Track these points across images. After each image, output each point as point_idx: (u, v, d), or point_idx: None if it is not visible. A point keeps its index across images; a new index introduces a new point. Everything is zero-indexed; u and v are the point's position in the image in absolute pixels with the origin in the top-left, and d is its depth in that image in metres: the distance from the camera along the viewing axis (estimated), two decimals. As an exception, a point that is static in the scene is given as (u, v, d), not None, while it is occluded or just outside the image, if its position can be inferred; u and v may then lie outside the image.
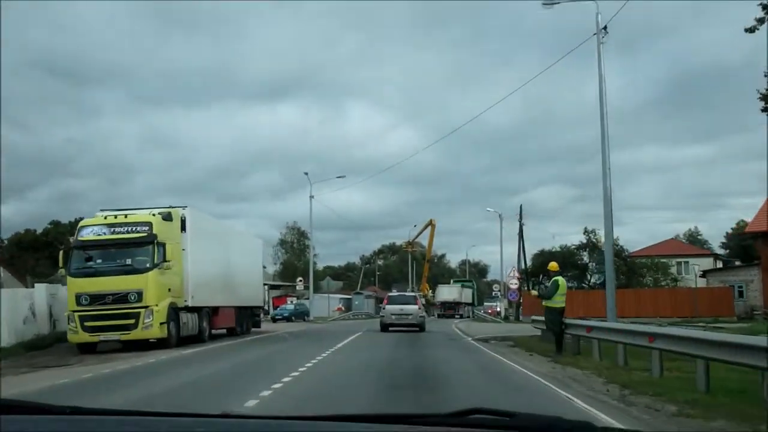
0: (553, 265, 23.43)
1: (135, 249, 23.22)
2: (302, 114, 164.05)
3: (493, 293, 79.88)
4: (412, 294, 40.59)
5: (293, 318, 64.61)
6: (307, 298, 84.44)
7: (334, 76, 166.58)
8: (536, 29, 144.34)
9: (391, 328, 33.69)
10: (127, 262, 23.21)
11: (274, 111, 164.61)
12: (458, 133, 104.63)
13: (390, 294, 39.28)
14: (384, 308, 35.14)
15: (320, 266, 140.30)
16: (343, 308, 79.89)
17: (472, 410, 2.32)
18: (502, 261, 71.08)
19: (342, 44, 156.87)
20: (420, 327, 34.08)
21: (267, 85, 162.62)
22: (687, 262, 69.62)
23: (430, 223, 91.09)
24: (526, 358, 19.76)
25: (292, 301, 73.20)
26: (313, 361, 17.61)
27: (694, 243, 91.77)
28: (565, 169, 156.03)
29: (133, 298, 22.80)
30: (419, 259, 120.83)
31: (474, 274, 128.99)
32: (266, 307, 58.03)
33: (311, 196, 67.44)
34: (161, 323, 23.07)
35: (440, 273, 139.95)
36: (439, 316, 68.88)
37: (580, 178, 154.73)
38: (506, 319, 64.32)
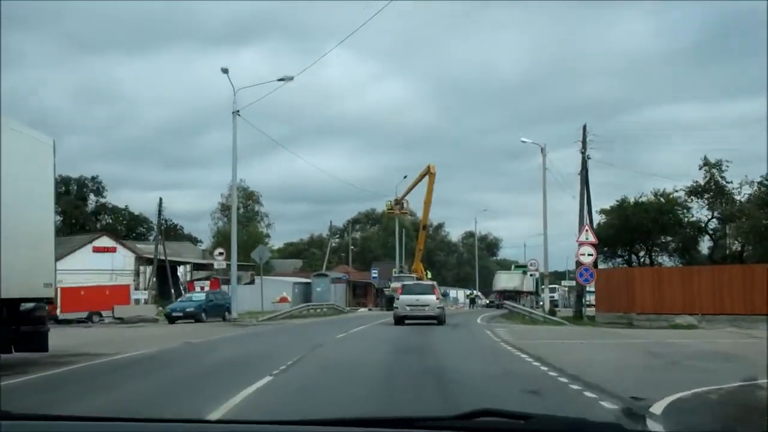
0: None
1: None
2: (269, 61, 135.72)
3: (530, 272, 53.16)
4: (430, 283, 36.56)
5: (204, 315, 37.79)
6: (250, 282, 57.67)
7: (306, 16, 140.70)
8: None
9: (406, 321, 30.27)
10: None
11: (235, 58, 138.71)
12: (456, 86, 77.62)
13: (405, 283, 37.21)
14: (398, 299, 32.32)
15: (279, 243, 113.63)
16: (289, 298, 52.39)
17: (480, 412, 2.19)
18: (545, 225, 44.03)
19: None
20: (438, 320, 30.31)
21: (227, 26, 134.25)
22: None
23: (428, 171, 64.09)
24: None
25: (202, 288, 46.13)
26: None
27: None
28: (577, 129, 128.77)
29: None
30: (410, 229, 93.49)
31: (482, 249, 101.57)
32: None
33: (235, 112, 40.16)
34: None
35: (437, 248, 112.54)
36: (497, 306, 58.93)
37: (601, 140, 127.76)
38: (552, 313, 37.71)
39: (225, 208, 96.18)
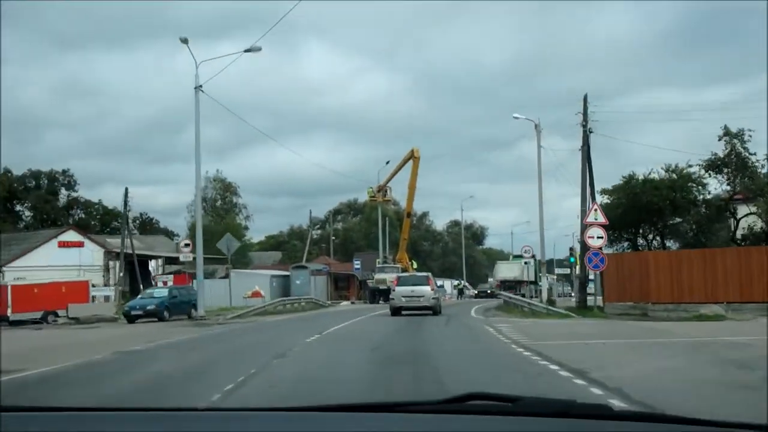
0: None
1: None
2: (251, 56, 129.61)
3: (524, 260, 49.25)
4: (425, 274, 35.89)
5: (167, 313, 33.65)
6: (225, 276, 53.75)
7: (284, 10, 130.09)
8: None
9: (404, 312, 31.10)
10: None
11: (215, 53, 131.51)
12: (439, 77, 74.14)
13: (400, 275, 38.65)
14: (394, 290, 32.93)
15: (260, 236, 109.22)
16: (263, 293, 48.11)
17: (469, 396, 2.24)
18: (541, 208, 40.07)
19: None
20: (434, 310, 31.20)
21: (206, 21, 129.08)
22: None
23: (412, 155, 59.98)
24: None
25: (165, 283, 42.02)
26: None
27: None
28: (565, 118, 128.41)
29: None
30: (393, 219, 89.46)
31: (468, 239, 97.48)
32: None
33: (198, 87, 35.98)
34: None
35: (421, 237, 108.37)
36: (489, 295, 61.45)
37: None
38: (551, 303, 33.83)
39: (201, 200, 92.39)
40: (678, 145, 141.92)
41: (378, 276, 56.74)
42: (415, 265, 63.58)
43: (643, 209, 34.68)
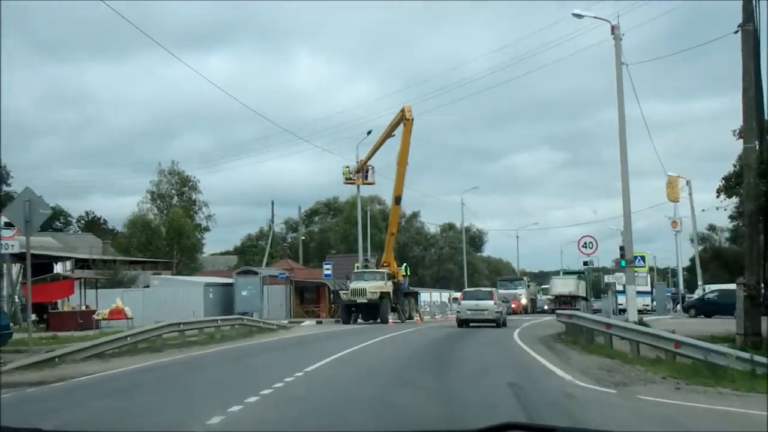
0: None
1: None
2: (237, 65, 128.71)
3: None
4: (488, 289, 38.08)
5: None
6: (148, 287, 37.59)
7: (274, 19, 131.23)
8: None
9: (471, 324, 32.70)
10: None
11: (202, 62, 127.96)
12: (423, 83, 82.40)
13: (465, 290, 40.04)
14: (459, 303, 35.63)
15: (228, 238, 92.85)
16: (128, 311, 30.19)
17: (505, 425, 2.21)
18: (625, 171, 23.45)
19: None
20: (497, 323, 32.70)
21: (195, 30, 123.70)
22: None
23: (402, 117, 43.14)
24: None
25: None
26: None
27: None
28: (551, 127, 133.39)
29: None
30: (378, 219, 72.80)
31: (464, 243, 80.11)
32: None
33: None
34: None
35: (412, 240, 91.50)
36: (552, 311, 51.65)
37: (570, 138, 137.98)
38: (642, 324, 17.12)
39: (156, 197, 76.06)
40: None
41: (355, 285, 39.94)
42: (406, 270, 46.58)
43: None
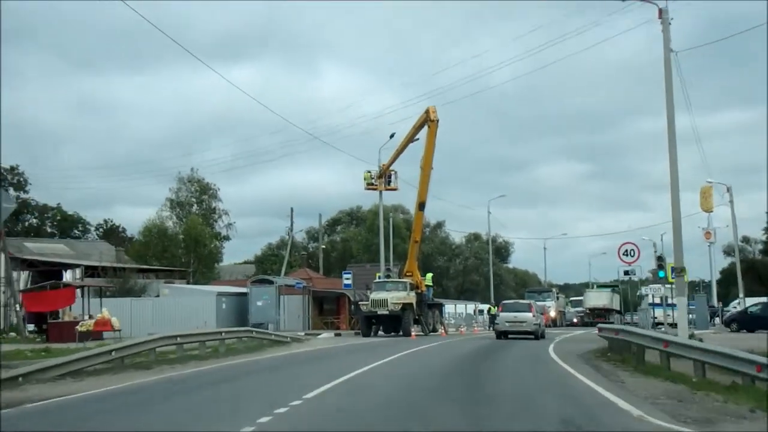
0: None
1: None
2: (264, 77, 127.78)
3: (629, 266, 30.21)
4: (527, 302, 38.24)
5: None
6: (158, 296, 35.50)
7: (301, 33, 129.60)
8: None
9: (510, 336, 33.58)
10: None
11: (229, 74, 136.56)
12: (447, 97, 69.91)
13: (504, 302, 38.89)
14: (498, 315, 35.99)
15: (243, 257, 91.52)
16: (115, 321, 27.85)
17: None
18: (674, 172, 20.82)
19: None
20: (535, 335, 33.49)
21: (221, 43, 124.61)
22: None
23: (427, 118, 40.88)
24: None
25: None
26: None
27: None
28: (576, 138, 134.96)
29: None
30: (401, 228, 70.47)
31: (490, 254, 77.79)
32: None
33: None
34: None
35: (436, 250, 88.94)
36: (585, 324, 56.68)
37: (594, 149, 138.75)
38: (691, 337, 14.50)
39: (175, 205, 74.62)
40: None
41: (375, 295, 37.63)
42: (430, 279, 44.20)
43: None
